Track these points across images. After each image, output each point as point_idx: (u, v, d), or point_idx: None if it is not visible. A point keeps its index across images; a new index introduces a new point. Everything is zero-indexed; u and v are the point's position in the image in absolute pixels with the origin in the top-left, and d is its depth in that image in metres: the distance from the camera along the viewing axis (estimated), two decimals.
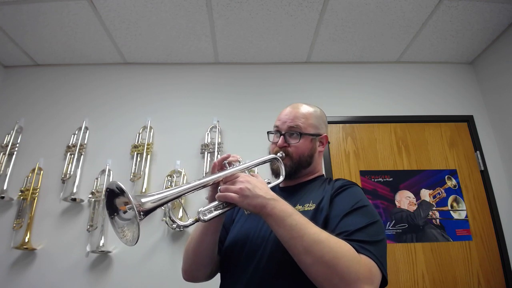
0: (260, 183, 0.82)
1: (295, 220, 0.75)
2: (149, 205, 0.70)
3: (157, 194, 0.73)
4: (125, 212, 0.72)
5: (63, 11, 1.93)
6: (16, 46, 2.20)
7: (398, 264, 1.92)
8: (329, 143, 1.12)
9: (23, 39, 2.15)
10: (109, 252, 1.89)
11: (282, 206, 0.78)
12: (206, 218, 0.79)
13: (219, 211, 0.82)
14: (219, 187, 0.83)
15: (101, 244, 1.88)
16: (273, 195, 0.81)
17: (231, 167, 0.88)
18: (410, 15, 2.00)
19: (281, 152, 1.02)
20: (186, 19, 2.02)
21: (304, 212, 0.84)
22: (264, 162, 1.01)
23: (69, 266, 1.87)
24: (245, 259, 0.90)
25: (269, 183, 0.94)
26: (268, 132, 1.10)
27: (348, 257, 0.71)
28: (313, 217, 0.86)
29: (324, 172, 2.06)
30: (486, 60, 2.32)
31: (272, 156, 1.02)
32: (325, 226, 0.83)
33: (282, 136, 1.03)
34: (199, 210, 0.79)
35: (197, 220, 0.81)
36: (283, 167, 1.00)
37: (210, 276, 1.01)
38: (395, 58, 2.42)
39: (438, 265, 1.92)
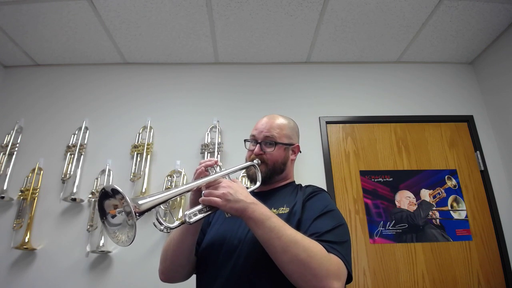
0: (241, 188, 0.89)
1: (274, 223, 0.83)
2: (144, 207, 0.75)
3: (149, 197, 0.78)
4: (113, 216, 0.77)
5: (63, 11, 1.93)
6: (16, 46, 2.20)
7: (398, 264, 1.92)
8: (300, 152, 1.21)
9: (23, 39, 2.15)
10: (109, 252, 1.89)
11: (261, 209, 0.85)
12: (192, 220, 0.85)
13: (203, 214, 0.88)
14: (203, 192, 0.88)
15: (101, 244, 1.88)
16: (253, 199, 0.87)
17: (213, 173, 0.95)
18: (410, 15, 2.00)
19: (257, 159, 1.10)
20: (186, 19, 2.02)
21: (278, 215, 0.90)
22: (243, 168, 1.10)
23: (69, 266, 1.87)
24: (222, 259, 0.95)
25: (247, 188, 1.00)
26: (245, 140, 1.19)
27: (320, 256, 0.79)
28: (287, 219, 0.94)
29: (325, 173, 2.09)
30: (486, 60, 2.32)
31: (250, 163, 1.11)
32: (298, 227, 0.92)
33: (258, 145, 1.12)
34: (185, 213, 0.86)
35: (183, 223, 0.86)
36: (259, 174, 1.09)
37: (187, 277, 1.06)
38: (395, 58, 2.42)
39: (438, 265, 1.92)
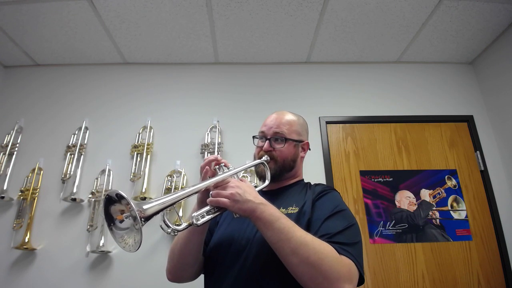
0: (249, 188, 0.87)
1: (283, 224, 0.80)
2: (149, 211, 0.73)
3: (155, 201, 0.76)
4: (121, 221, 0.75)
5: (63, 11, 1.93)
6: (16, 46, 2.20)
7: (398, 264, 1.92)
8: (309, 149, 1.19)
9: (23, 39, 2.15)
10: (109, 252, 1.89)
11: (270, 210, 0.83)
12: (199, 222, 0.83)
13: (211, 215, 0.86)
14: (211, 192, 0.86)
15: (101, 244, 1.88)
16: (262, 199, 0.85)
17: (221, 172, 0.92)
18: (410, 15, 2.00)
19: (266, 156, 1.07)
20: (186, 19, 2.02)
21: (287, 215, 0.88)
22: (252, 166, 1.07)
23: (69, 266, 1.87)
24: (230, 259, 0.93)
25: (256, 187, 0.98)
26: (253, 137, 1.16)
27: (331, 258, 0.77)
28: (297, 219, 0.92)
29: (325, 173, 2.09)
30: (486, 60, 2.32)
31: (259, 161, 1.07)
32: (307, 228, 0.89)
33: (267, 141, 1.09)
34: (193, 215, 0.84)
35: (190, 225, 0.84)
36: (269, 172, 1.06)
37: (194, 276, 1.05)
38: (395, 58, 2.42)
39: (438, 265, 1.92)
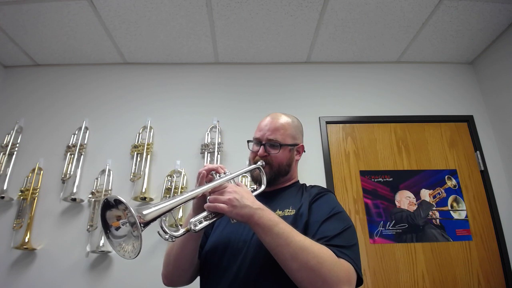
0: (246, 193, 0.87)
1: (282, 229, 0.80)
2: (149, 217, 0.72)
3: (154, 206, 0.75)
4: (117, 228, 0.74)
5: (63, 11, 1.93)
6: (16, 46, 2.20)
7: (398, 264, 1.92)
8: (304, 151, 1.19)
9: (23, 39, 2.15)
10: (109, 252, 1.89)
11: (268, 215, 0.83)
12: (197, 228, 0.83)
13: (209, 221, 0.86)
14: (208, 198, 0.86)
15: (101, 244, 1.88)
16: (259, 204, 0.85)
17: (218, 178, 0.92)
18: (410, 15, 2.00)
19: (261, 161, 1.08)
20: (186, 19, 2.02)
21: (284, 217, 0.88)
22: (248, 171, 1.08)
23: (69, 266, 1.87)
24: (226, 262, 0.93)
25: (252, 191, 0.98)
26: (248, 141, 1.16)
27: (330, 262, 0.78)
28: (294, 221, 0.92)
29: (325, 173, 2.09)
30: (486, 60, 2.32)
31: (255, 166, 1.07)
32: (305, 230, 0.90)
33: (262, 146, 1.09)
34: (190, 220, 0.83)
35: (188, 230, 0.83)
36: (264, 177, 1.07)
37: (190, 280, 1.05)
38: (395, 58, 2.42)
39: (438, 265, 1.92)
